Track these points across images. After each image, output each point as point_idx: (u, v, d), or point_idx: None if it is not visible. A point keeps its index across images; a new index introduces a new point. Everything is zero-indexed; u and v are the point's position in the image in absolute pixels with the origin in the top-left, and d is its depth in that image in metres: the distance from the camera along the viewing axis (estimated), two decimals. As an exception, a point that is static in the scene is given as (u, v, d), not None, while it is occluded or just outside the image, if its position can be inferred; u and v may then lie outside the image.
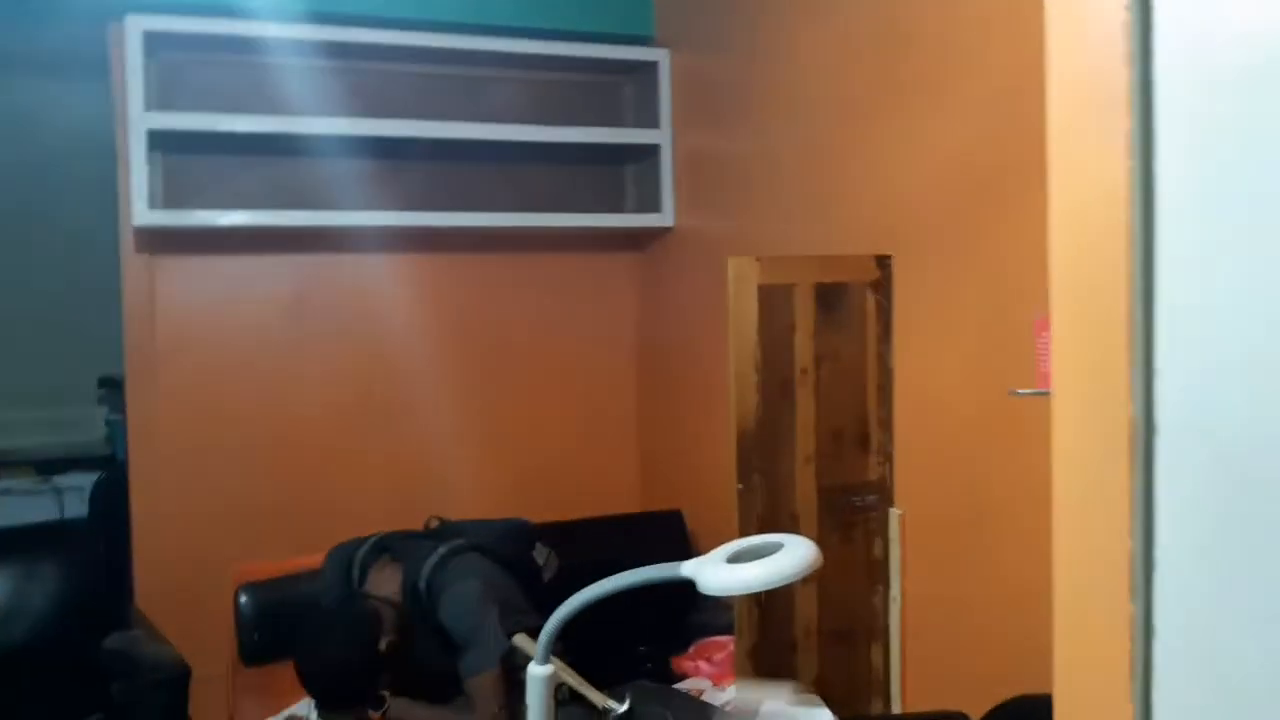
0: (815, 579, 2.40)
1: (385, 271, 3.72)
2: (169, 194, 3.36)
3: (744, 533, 2.23)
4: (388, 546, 2.66)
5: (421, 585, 2.51)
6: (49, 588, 3.03)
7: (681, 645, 3.11)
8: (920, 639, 2.48)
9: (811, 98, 2.86)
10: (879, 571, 2.52)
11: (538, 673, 1.14)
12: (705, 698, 2.83)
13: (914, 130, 2.45)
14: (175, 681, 2.76)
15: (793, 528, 2.38)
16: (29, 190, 4.80)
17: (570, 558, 2.78)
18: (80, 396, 4.76)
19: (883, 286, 2.51)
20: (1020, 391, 2.01)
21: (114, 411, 4.52)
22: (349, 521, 3.08)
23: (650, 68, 3.72)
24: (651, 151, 3.75)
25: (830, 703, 2.30)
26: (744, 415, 2.38)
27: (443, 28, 3.51)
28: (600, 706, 1.98)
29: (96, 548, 3.28)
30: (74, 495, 4.40)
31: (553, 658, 1.15)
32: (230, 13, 3.23)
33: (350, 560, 2.68)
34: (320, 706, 2.54)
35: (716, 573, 1.05)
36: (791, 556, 1.04)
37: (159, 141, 3.22)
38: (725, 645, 2.99)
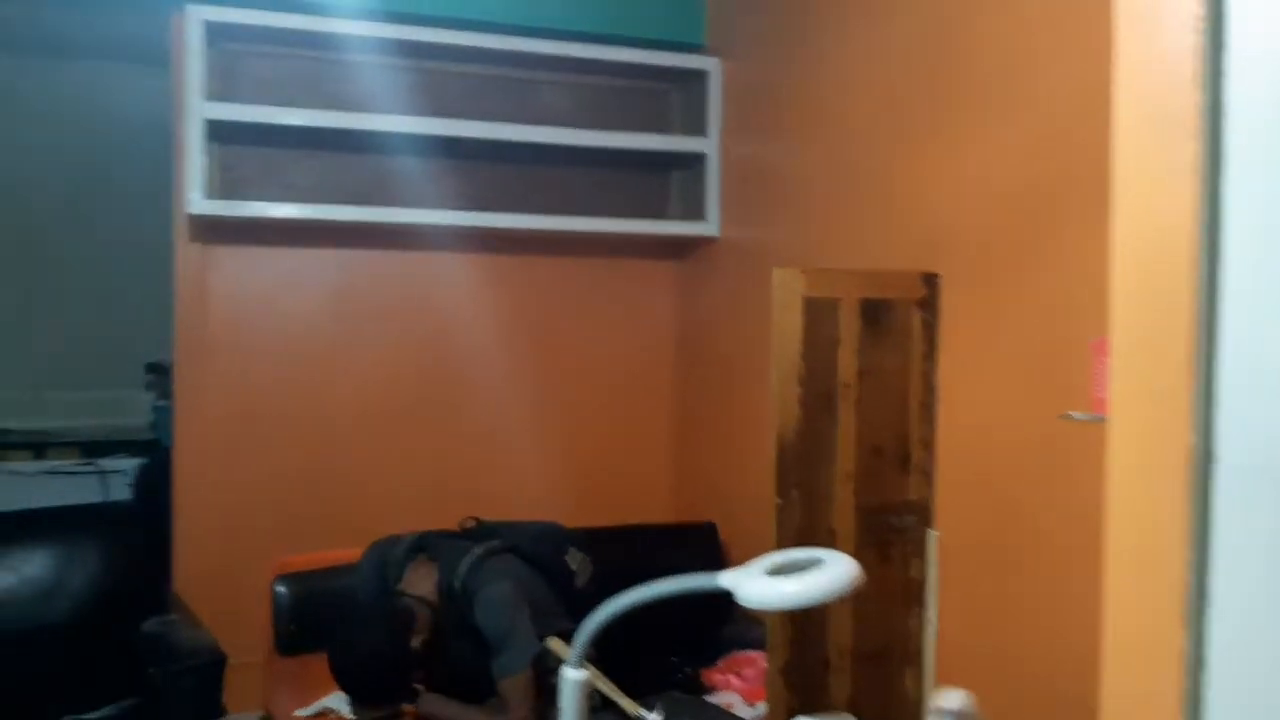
0: (851, 598, 2.37)
1: (431, 269, 3.75)
2: (224, 184, 3.42)
3: (780, 547, 2.21)
4: (425, 546, 2.68)
5: (457, 585, 2.52)
6: (90, 569, 3.07)
7: (711, 657, 3.09)
8: (954, 664, 2.44)
9: (862, 112, 2.85)
10: (915, 593, 2.49)
11: (572, 676, 1.13)
12: (736, 711, 2.81)
13: (966, 148, 2.43)
14: (211, 668, 2.78)
15: (830, 544, 2.35)
16: (87, 175, 4.90)
17: (602, 564, 2.78)
18: (127, 380, 4.84)
19: (929, 304, 2.48)
20: (1075, 415, 1.97)
21: (160, 397, 4.58)
22: (387, 517, 3.12)
23: (700, 75, 3.73)
24: (698, 160, 3.76)
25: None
26: (784, 428, 2.35)
27: (495, 29, 3.54)
28: (633, 716, 1.97)
29: (138, 531, 3.30)
30: (118, 478, 4.45)
31: (585, 663, 1.15)
32: (288, 6, 3.29)
33: (387, 557, 2.71)
34: (352, 701, 2.56)
35: (755, 585, 1.03)
36: (832, 573, 1.02)
37: (216, 131, 3.27)
38: (755, 660, 2.96)
